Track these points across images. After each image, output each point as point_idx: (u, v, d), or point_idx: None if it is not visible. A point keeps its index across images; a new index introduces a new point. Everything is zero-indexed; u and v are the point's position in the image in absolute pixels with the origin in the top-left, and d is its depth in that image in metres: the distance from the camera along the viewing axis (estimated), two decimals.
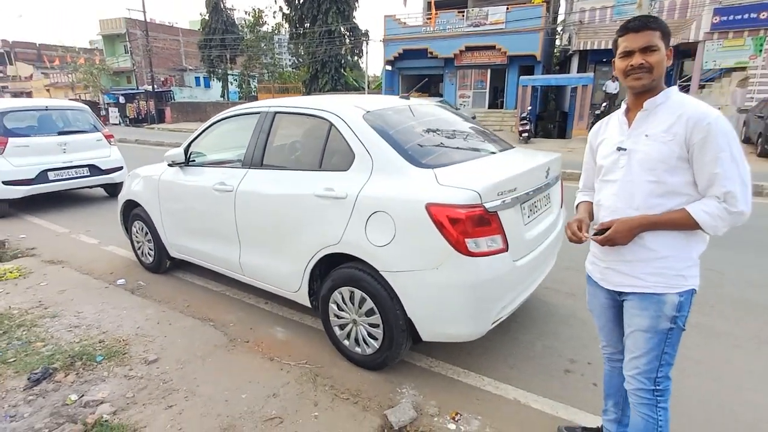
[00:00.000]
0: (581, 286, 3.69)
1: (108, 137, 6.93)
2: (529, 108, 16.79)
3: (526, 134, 15.38)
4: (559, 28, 23.91)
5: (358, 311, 2.48)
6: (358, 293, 2.44)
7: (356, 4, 27.44)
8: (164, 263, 3.94)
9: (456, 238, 2.07)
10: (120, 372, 2.47)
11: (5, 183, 5.81)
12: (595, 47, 17.67)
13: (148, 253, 3.99)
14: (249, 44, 30.87)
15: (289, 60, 36.32)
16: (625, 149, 1.53)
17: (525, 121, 15.62)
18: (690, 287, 1.49)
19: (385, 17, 22.42)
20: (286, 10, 27.67)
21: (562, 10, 25.83)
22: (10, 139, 5.88)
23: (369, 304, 2.40)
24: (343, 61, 27.51)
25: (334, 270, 2.56)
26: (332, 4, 25.71)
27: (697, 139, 1.37)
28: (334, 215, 2.44)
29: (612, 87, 15.79)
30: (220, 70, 33.23)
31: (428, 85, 23.93)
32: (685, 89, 16.56)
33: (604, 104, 15.26)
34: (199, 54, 33.92)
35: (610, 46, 17.16)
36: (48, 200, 6.76)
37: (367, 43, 25.76)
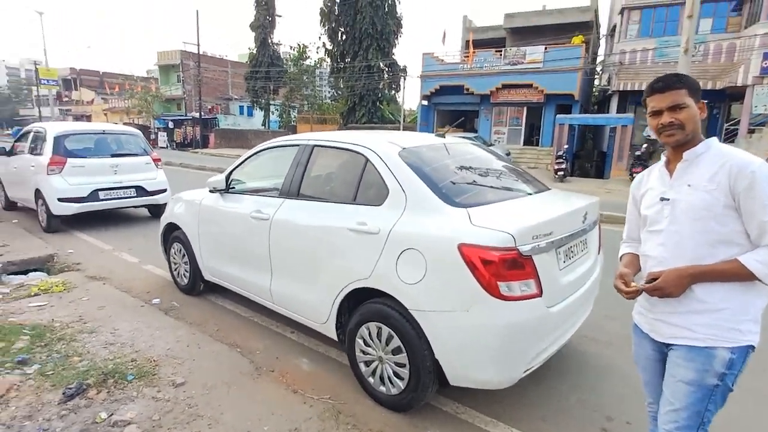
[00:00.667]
0: (620, 336, 3.53)
1: (156, 161, 7.32)
2: (566, 146, 16.60)
3: (562, 173, 15.14)
4: (598, 68, 23.85)
5: (384, 348, 2.44)
6: (386, 330, 2.41)
7: (396, 42, 28.42)
8: (198, 285, 4.05)
9: (488, 280, 2.03)
10: (148, 393, 2.51)
11: (60, 200, 6.20)
12: (636, 88, 17.45)
13: (184, 275, 4.12)
14: (292, 77, 32.37)
15: (328, 92, 37.74)
16: (669, 199, 1.51)
17: (561, 160, 15.42)
18: (746, 343, 1.41)
19: (423, 54, 23.07)
20: (329, 46, 28.96)
21: (601, 50, 25.85)
22: (69, 160, 6.31)
23: (396, 342, 2.36)
24: (380, 95, 28.28)
25: (362, 304, 2.55)
26: (373, 41, 26.72)
27: (742, 188, 1.35)
28: (366, 249, 2.46)
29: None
30: (263, 100, 34.81)
31: (463, 120, 24.17)
32: (732, 133, 15.98)
33: (645, 146, 14.91)
34: (245, 84, 35.78)
35: None
36: (96, 218, 7.14)
37: (404, 79, 26.47)
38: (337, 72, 29.38)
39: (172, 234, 4.16)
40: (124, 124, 32.63)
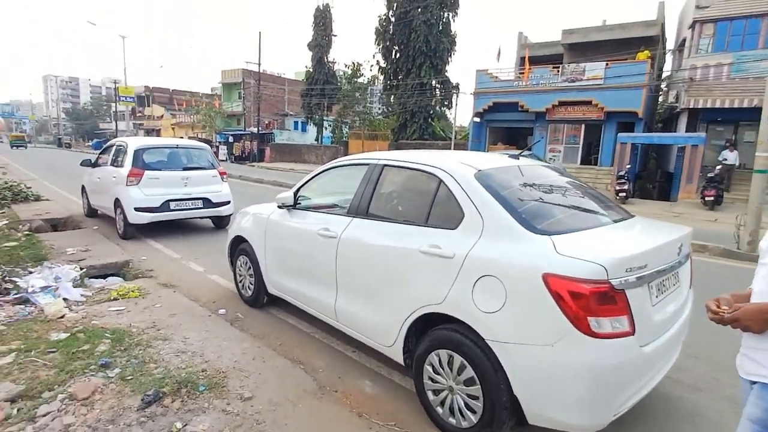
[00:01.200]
0: (707, 378, 3.20)
1: (222, 174, 7.69)
2: (628, 166, 15.76)
3: (624, 194, 14.35)
4: (663, 85, 22.60)
5: (456, 378, 2.34)
6: (458, 359, 2.31)
7: (449, 59, 28.50)
8: (261, 298, 4.14)
9: (576, 314, 1.90)
10: (219, 405, 2.55)
11: (136, 209, 6.64)
12: (709, 105, 16.30)
13: (248, 287, 4.23)
14: (345, 94, 33.27)
15: (379, 109, 38.43)
16: None
17: (623, 180, 14.64)
18: None
19: (477, 71, 22.92)
20: (382, 64, 29.54)
21: (668, 66, 24.51)
22: (146, 172, 6.77)
23: (469, 372, 2.26)
24: (431, 112, 28.36)
25: (432, 330, 2.47)
26: (426, 59, 26.97)
27: None
28: (439, 274, 2.39)
29: (732, 158, 14.41)
30: (317, 116, 36.01)
31: (516, 138, 23.68)
32: None
33: (719, 167, 13.84)
34: (300, 101, 37.22)
35: (726, 105, 15.85)
36: (165, 227, 7.57)
37: (457, 96, 26.39)
38: (390, 89, 29.85)
39: (239, 246, 4.30)
40: (189, 137, 34.89)
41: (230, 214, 7.62)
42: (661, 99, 24.20)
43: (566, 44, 22.84)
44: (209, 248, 6.45)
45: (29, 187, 10.65)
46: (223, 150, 34.90)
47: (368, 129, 33.85)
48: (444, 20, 27.57)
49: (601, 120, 19.43)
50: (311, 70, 35.76)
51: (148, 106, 55.88)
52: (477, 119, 23.43)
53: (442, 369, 2.41)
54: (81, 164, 8.43)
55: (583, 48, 22.13)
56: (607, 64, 18.94)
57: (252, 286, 4.16)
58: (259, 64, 33.94)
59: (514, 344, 2.07)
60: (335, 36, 36.12)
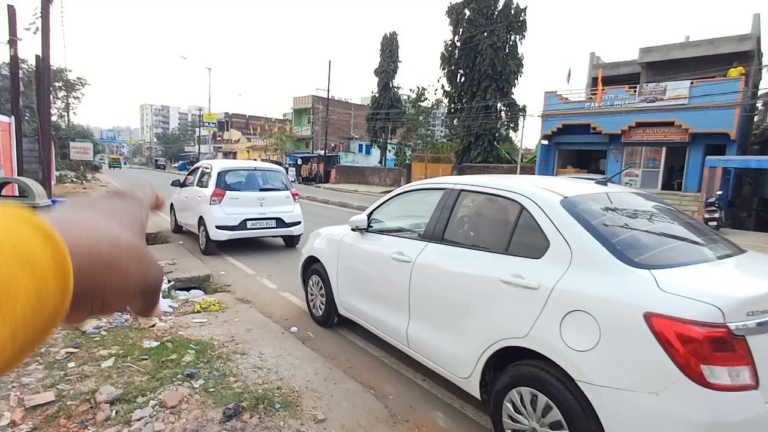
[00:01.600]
0: None
1: (294, 195, 8.05)
2: (719, 192, 14.33)
3: (714, 223, 12.99)
4: (760, 104, 20.50)
5: (540, 420, 2.19)
6: (543, 399, 2.16)
7: (516, 81, 28.08)
8: (332, 318, 4.20)
9: (687, 361, 1.70)
10: (293, 425, 2.59)
11: (218, 227, 7.12)
12: None
13: (320, 306, 4.32)
14: (409, 117, 33.82)
15: (442, 132, 38.56)
16: None
17: (713, 208, 13.30)
18: None
19: (545, 93, 22.32)
20: (447, 88, 29.77)
21: (764, 83, 22.23)
22: (227, 192, 7.26)
23: (556, 414, 2.10)
24: (497, 134, 27.92)
25: (513, 365, 2.34)
26: (492, 82, 26.78)
27: None
28: (522, 305, 2.27)
29: None
30: (381, 140, 36.87)
31: (587, 160, 22.55)
32: None
33: None
34: (365, 125, 38.39)
35: None
36: (242, 244, 8.01)
37: (524, 118, 25.79)
38: (454, 112, 29.90)
39: (311, 266, 4.42)
40: (262, 159, 37.20)
41: (300, 234, 7.92)
42: (757, 119, 21.94)
43: (644, 63, 21.60)
44: (281, 266, 6.71)
45: None
46: (291, 171, 36.67)
47: (431, 152, 34.03)
48: (511, 43, 27.34)
49: (686, 142, 17.96)
50: (377, 95, 36.89)
51: (227, 130, 60.47)
52: (545, 142, 22.66)
53: (524, 408, 2.27)
54: (171, 185, 9.24)
55: (663, 66, 20.79)
56: (692, 83, 17.59)
57: (323, 306, 4.24)
58: (328, 91, 35.60)
59: (610, 389, 1.89)
60: (401, 62, 37.13)
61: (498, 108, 27.78)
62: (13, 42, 9.82)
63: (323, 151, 36.56)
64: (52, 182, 21.00)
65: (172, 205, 9.58)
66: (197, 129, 53.77)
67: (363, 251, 3.67)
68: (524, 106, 27.97)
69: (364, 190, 27.70)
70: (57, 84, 46.74)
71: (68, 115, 45.52)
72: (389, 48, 36.12)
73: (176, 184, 8.94)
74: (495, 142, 28.19)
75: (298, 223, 7.88)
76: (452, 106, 30.39)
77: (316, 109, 43.19)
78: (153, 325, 3.89)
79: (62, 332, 3.58)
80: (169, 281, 5.55)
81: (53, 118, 41.72)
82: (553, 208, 2.39)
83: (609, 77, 22.26)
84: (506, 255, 2.52)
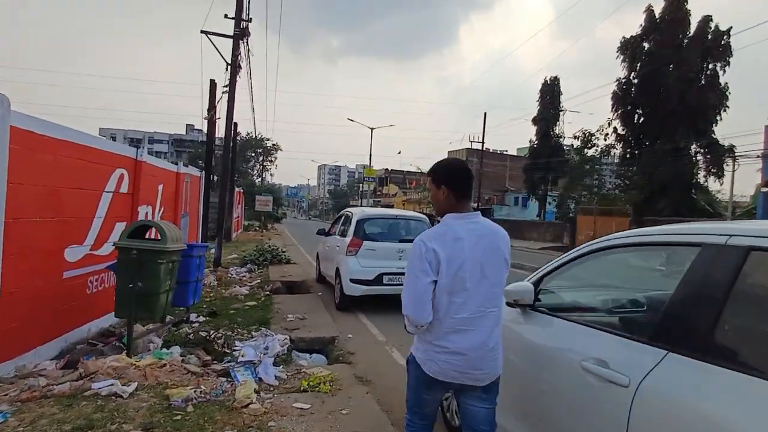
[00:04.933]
0: None
1: None
2: None
3: None
4: None
5: None
6: None
7: (716, 118, 22.85)
8: None
9: None
10: None
11: (352, 281, 6.45)
12: None
13: (456, 413, 2.99)
14: (574, 166, 30.43)
15: (611, 182, 33.51)
16: None
17: None
18: None
19: (766, 127, 17.33)
20: (620, 131, 25.96)
21: None
22: (364, 242, 6.62)
23: None
24: (693, 182, 22.72)
25: None
26: (682, 120, 22.25)
27: None
28: None
29: None
30: (540, 191, 33.98)
31: None
32: None
33: None
34: (522, 176, 36.08)
35: None
36: (378, 301, 7.19)
37: (734, 161, 20.45)
38: (630, 158, 25.69)
39: None
40: (416, 212, 37.78)
41: None
42: None
43: None
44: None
45: (284, 251, 12.46)
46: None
47: (600, 204, 29.60)
48: (709, 73, 22.62)
49: None
50: (535, 144, 34.61)
51: (386, 185, 64.61)
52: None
53: None
54: (317, 233, 9.19)
55: None
56: None
57: (459, 412, 2.90)
58: (483, 142, 34.91)
59: None
60: (563, 111, 34.40)
61: (691, 150, 22.82)
62: (212, 107, 11.50)
63: (476, 204, 35.39)
64: (239, 230, 24.60)
65: (318, 254, 9.52)
66: (361, 185, 58.87)
67: (525, 343, 2.30)
68: (731, 146, 22.34)
69: (520, 245, 25.25)
70: (258, 150, 57.46)
71: (263, 176, 54.58)
72: (550, 94, 33.96)
73: (321, 233, 8.80)
74: (691, 192, 22.91)
75: None
76: (628, 151, 26.24)
77: (470, 162, 42.75)
78: (247, 405, 3.12)
79: (148, 400, 3.05)
80: (291, 341, 4.93)
81: (254, 179, 50.73)
82: None
83: None
84: None
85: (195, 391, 3.25)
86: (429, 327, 1.90)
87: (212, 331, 4.34)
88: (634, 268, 2.07)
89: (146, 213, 6.73)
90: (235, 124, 19.53)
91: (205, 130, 12.06)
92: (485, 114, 34.97)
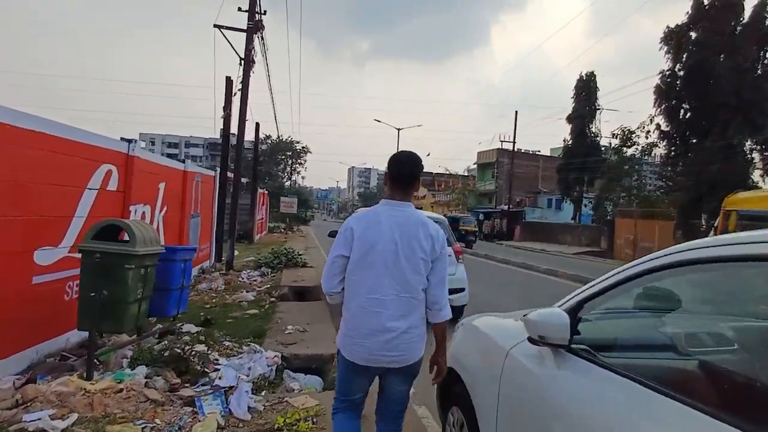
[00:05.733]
0: None
1: (457, 253, 6.27)
2: None
3: None
4: None
5: None
6: None
7: None
8: None
9: None
10: None
11: None
12: None
13: (454, 425, 2.28)
14: (612, 166, 28.66)
15: (652, 183, 31.32)
16: None
17: None
18: None
19: None
20: (664, 127, 24.16)
21: None
22: None
23: None
24: (749, 182, 20.78)
25: None
26: (736, 114, 20.39)
27: None
28: None
29: None
30: (574, 193, 32.31)
31: None
32: None
33: None
34: (555, 177, 34.44)
35: None
36: None
37: None
38: (675, 156, 23.86)
39: (453, 387, 2.43)
40: (444, 215, 36.92)
41: (464, 305, 6.00)
42: None
43: None
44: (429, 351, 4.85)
45: (300, 254, 11.96)
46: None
47: (641, 206, 27.68)
48: (766, 62, 20.67)
49: None
50: (570, 143, 32.96)
51: None
52: None
53: None
54: (328, 236, 8.59)
55: None
56: None
57: None
58: (514, 142, 33.61)
59: None
60: (599, 108, 32.62)
61: (746, 147, 20.90)
62: (227, 105, 11.10)
63: (507, 207, 34.03)
64: (263, 232, 24.45)
65: None
66: None
67: (558, 400, 1.55)
68: None
69: (553, 249, 23.91)
70: (288, 153, 57.90)
71: (293, 179, 54.78)
72: (585, 90, 32.28)
73: (332, 235, 8.17)
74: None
75: (461, 290, 5.98)
76: (672, 149, 24.40)
77: (501, 163, 41.34)
78: None
79: None
80: (284, 358, 4.32)
81: (283, 182, 51.05)
82: None
83: None
84: None
85: (144, 429, 2.66)
86: (344, 307, 2.01)
87: (187, 347, 3.78)
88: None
89: (143, 213, 6.31)
90: (257, 124, 19.39)
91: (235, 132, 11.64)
92: (516, 113, 33.70)
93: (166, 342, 3.95)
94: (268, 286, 8.44)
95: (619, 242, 24.74)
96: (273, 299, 7.17)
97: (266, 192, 26.33)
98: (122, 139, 5.62)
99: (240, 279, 9.15)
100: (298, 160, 59.66)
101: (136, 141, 5.63)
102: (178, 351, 3.73)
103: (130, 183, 5.66)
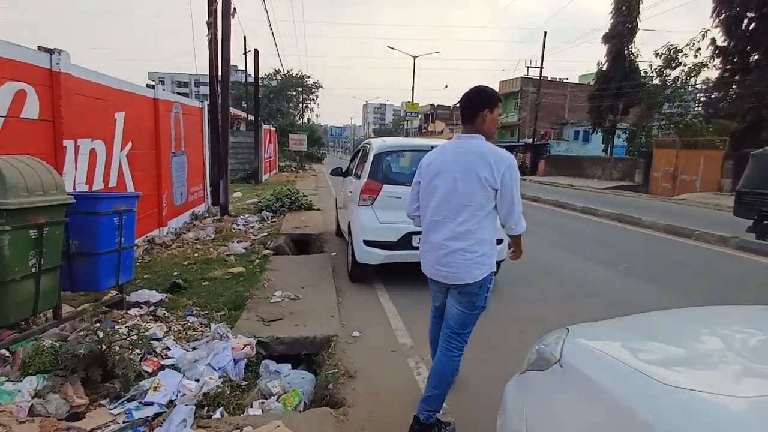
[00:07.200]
0: None
1: None
2: None
3: None
4: None
5: None
6: None
7: None
8: None
9: None
10: None
11: (366, 243, 4.46)
12: None
13: None
14: (652, 90, 25.67)
15: (697, 111, 28.03)
16: None
17: None
18: None
19: None
20: (720, 42, 21.01)
21: None
22: (384, 186, 4.53)
23: None
24: None
25: None
26: None
27: None
28: None
29: None
30: (607, 122, 29.57)
31: None
32: None
33: None
34: (584, 107, 31.52)
35: None
36: (411, 269, 5.22)
37: None
38: (732, 76, 20.95)
39: None
40: None
41: (502, 260, 4.66)
42: None
43: None
44: None
45: (305, 196, 10.68)
46: None
47: (684, 135, 25.00)
48: None
49: None
50: (604, 67, 29.59)
51: (432, 122, 60.63)
52: None
53: None
54: (330, 174, 7.15)
55: None
56: None
57: None
58: (541, 68, 30.46)
59: None
60: (641, 22, 28.75)
61: None
62: (210, 25, 9.28)
63: (531, 140, 31.65)
64: (272, 171, 23.15)
65: (336, 201, 7.58)
66: (404, 122, 55.26)
67: None
68: None
69: (581, 184, 22.08)
70: (299, 88, 54.92)
71: (305, 116, 52.33)
72: (626, 4, 28.29)
73: (337, 173, 6.70)
74: None
75: (499, 242, 4.58)
76: (725, 68, 21.38)
77: (525, 93, 38.07)
78: None
79: None
80: (260, 343, 3.13)
81: (295, 119, 48.81)
82: None
83: None
84: None
85: None
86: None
87: (117, 337, 2.58)
88: None
89: (92, 149, 4.97)
90: (256, 50, 17.35)
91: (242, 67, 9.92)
92: (545, 34, 30.07)
93: (83, 332, 2.75)
94: (266, 234, 7.24)
95: (655, 176, 22.71)
96: (267, 252, 5.96)
97: (274, 128, 24.63)
98: (40, 48, 4.13)
99: (235, 226, 7.96)
100: (310, 96, 56.79)
101: (61, 51, 4.14)
102: (98, 346, 2.53)
103: (61, 110, 4.27)
